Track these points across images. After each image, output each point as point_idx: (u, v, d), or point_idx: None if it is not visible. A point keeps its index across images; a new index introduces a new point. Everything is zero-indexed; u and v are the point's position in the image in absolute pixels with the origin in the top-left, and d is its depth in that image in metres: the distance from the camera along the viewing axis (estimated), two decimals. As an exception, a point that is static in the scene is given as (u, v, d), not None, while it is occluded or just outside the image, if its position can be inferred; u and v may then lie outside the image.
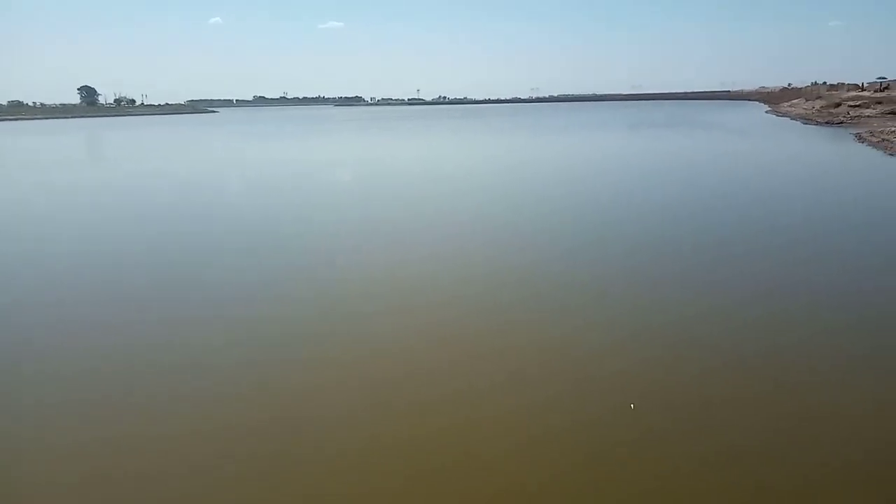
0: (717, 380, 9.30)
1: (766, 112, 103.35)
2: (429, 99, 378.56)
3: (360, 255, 16.99)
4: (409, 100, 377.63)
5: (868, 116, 62.95)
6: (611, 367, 9.79)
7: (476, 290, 13.78)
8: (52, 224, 23.42)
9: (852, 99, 76.41)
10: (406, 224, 21.42)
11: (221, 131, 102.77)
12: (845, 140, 46.89)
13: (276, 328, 11.67)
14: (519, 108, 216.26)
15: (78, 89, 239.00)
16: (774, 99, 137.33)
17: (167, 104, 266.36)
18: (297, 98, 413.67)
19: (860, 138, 45.45)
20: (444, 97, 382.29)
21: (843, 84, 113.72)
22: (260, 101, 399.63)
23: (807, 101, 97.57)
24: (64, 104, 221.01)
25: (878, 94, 77.58)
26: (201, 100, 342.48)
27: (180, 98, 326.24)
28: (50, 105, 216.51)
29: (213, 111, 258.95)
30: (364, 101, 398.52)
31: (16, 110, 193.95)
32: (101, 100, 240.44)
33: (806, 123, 68.96)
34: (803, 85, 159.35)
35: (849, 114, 67.11)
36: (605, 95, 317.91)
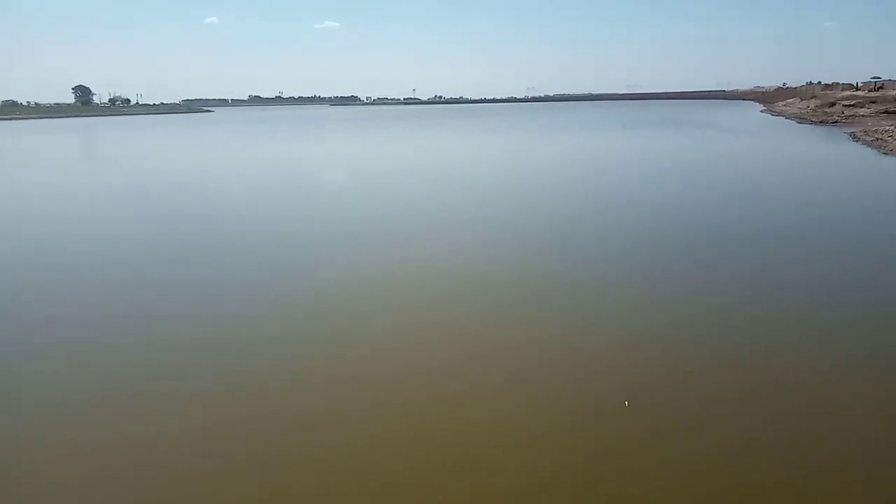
0: (715, 379, 9.35)
1: (762, 111, 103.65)
2: (424, 98, 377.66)
3: (359, 255, 17.00)
4: (404, 99, 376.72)
5: (862, 116, 63.25)
6: (610, 365, 9.85)
7: (474, 289, 13.83)
8: (47, 224, 23.34)
9: (847, 98, 76.71)
10: (405, 223, 21.44)
11: (217, 131, 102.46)
12: (840, 139, 47.10)
13: (277, 328, 11.69)
14: (515, 107, 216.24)
15: (72, 89, 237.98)
16: (769, 98, 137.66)
17: (162, 104, 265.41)
18: (293, 98, 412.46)
19: (854, 137, 45.66)
20: (440, 97, 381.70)
21: (837, 84, 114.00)
22: (255, 100, 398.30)
23: (802, 100, 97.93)
24: (59, 104, 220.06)
25: (873, 94, 77.88)
26: (196, 99, 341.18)
27: (175, 97, 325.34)
28: (44, 105, 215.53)
29: (209, 111, 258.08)
30: (360, 100, 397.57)
31: (10, 110, 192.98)
32: (96, 99, 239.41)
33: (801, 123, 69.23)
34: (798, 84, 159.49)
35: (843, 113, 67.41)
36: (601, 95, 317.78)
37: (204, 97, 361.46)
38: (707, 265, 15.35)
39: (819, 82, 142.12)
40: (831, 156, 39.93)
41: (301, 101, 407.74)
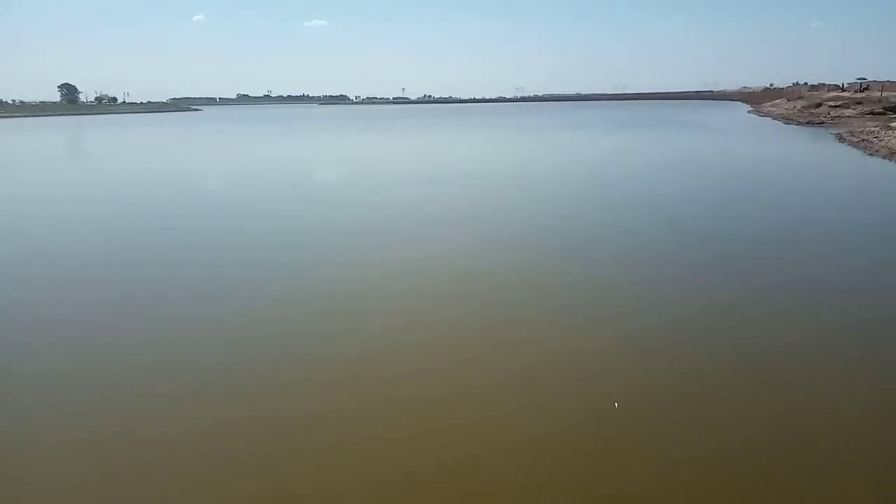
0: (714, 379, 9.46)
1: (749, 112, 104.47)
2: (414, 98, 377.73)
3: (358, 255, 16.99)
4: (394, 98, 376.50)
5: (848, 117, 63.97)
6: (609, 365, 9.94)
7: (473, 289, 13.86)
8: (42, 225, 23.18)
9: (833, 99, 77.56)
10: (403, 222, 21.43)
11: (207, 129, 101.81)
12: (826, 140, 47.61)
13: (277, 327, 11.68)
14: (504, 107, 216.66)
15: (58, 87, 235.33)
16: (756, 99, 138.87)
17: (149, 102, 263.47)
18: (282, 96, 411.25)
19: (840, 138, 46.18)
20: (429, 96, 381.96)
21: (823, 85, 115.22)
22: (243, 99, 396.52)
23: (788, 101, 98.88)
24: (44, 102, 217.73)
25: (858, 95, 78.82)
26: (184, 98, 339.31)
27: (163, 96, 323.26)
28: (30, 103, 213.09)
29: (197, 109, 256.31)
30: (349, 99, 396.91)
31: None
32: (82, 97, 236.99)
33: (787, 123, 69.87)
34: (785, 85, 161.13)
35: (829, 114, 68.15)
36: (590, 95, 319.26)
37: (191, 96, 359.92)
38: (701, 265, 15.47)
39: (805, 83, 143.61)
40: (818, 157, 40.36)
41: (290, 99, 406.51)
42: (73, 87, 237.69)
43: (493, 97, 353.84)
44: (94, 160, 54.64)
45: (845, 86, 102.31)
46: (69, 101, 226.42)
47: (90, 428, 8.38)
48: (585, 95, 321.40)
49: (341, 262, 16.34)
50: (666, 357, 10.16)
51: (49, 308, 13.13)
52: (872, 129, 47.40)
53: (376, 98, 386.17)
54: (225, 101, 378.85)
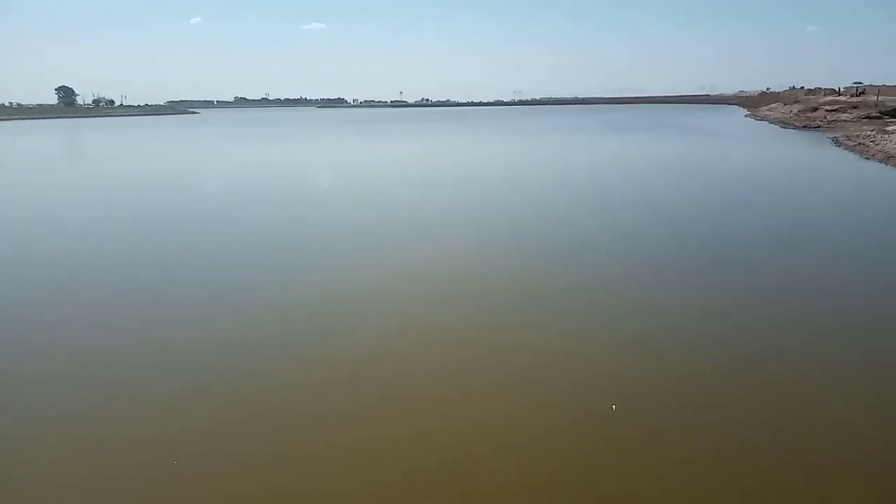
0: (710, 382, 9.53)
1: (745, 116, 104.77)
2: (412, 101, 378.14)
3: (355, 258, 17.03)
4: (391, 102, 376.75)
5: (844, 121, 64.23)
6: (605, 368, 10.00)
7: (471, 292, 13.91)
8: (40, 227, 23.17)
9: (829, 103, 77.84)
10: (401, 226, 21.47)
11: (205, 133, 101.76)
12: (822, 144, 47.79)
13: (276, 328, 11.71)
14: (502, 110, 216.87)
15: (55, 89, 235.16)
16: (753, 103, 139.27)
17: (147, 105, 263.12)
18: (279, 100, 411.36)
19: (837, 142, 46.36)
20: (427, 99, 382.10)
21: (820, 89, 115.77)
22: (241, 102, 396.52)
23: (785, 105, 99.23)
24: (41, 104, 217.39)
25: (855, 99, 79.17)
26: (181, 101, 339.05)
27: (160, 99, 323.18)
28: (27, 105, 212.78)
29: (194, 112, 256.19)
30: (347, 102, 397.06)
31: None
32: (80, 100, 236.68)
33: (784, 127, 70.09)
34: (781, 89, 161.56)
35: (826, 118, 68.41)
36: (587, 99, 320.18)
37: (189, 99, 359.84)
38: (698, 269, 15.54)
39: (802, 87, 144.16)
40: (815, 161, 40.50)
41: (287, 103, 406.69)
42: (71, 89, 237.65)
43: (490, 100, 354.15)
44: (91, 163, 54.60)
45: (842, 90, 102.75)
46: (66, 103, 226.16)
47: (90, 428, 8.40)
48: (583, 99, 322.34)
49: (337, 266, 16.36)
50: (663, 360, 10.21)
51: (46, 308, 13.14)
52: (869, 133, 47.60)
53: (374, 101, 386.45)
54: (222, 104, 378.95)
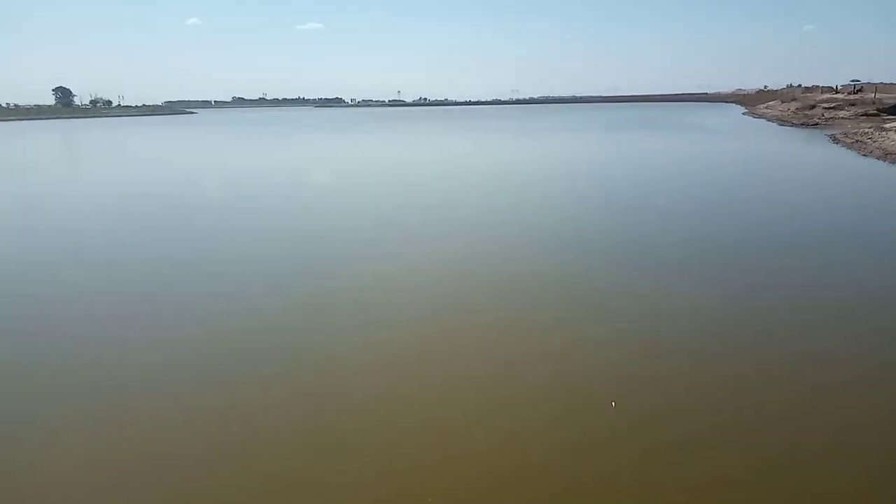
0: (709, 382, 9.59)
1: (743, 114, 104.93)
2: (409, 101, 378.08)
3: (353, 260, 17.11)
4: (389, 101, 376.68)
5: (842, 118, 64.36)
6: (605, 368, 10.06)
7: (469, 292, 14.00)
8: (37, 228, 23.16)
9: (827, 101, 78.00)
10: (400, 230, 21.53)
11: (204, 133, 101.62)
12: (820, 141, 47.86)
13: (276, 329, 11.80)
14: (500, 109, 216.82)
15: (53, 90, 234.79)
16: (751, 101, 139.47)
17: (144, 105, 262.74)
18: (277, 99, 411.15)
19: (834, 139, 46.43)
20: (425, 98, 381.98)
21: (817, 86, 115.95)
22: (239, 102, 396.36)
23: (782, 103, 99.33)
24: (38, 105, 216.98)
25: (852, 97, 79.31)
26: (179, 101, 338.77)
27: (158, 99, 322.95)
28: (24, 106, 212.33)
29: (192, 112, 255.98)
30: (344, 102, 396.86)
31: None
32: (77, 101, 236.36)
33: (782, 125, 70.20)
34: (779, 87, 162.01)
35: (823, 115, 68.54)
36: (585, 97, 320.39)
37: (187, 99, 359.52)
38: (695, 267, 15.60)
39: (799, 85, 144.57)
40: (814, 158, 40.53)
41: (285, 102, 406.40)
42: (68, 90, 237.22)
43: (488, 99, 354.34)
44: (88, 163, 54.52)
45: (839, 88, 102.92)
46: (64, 104, 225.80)
47: (91, 427, 8.47)
48: (581, 98, 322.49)
49: (336, 266, 16.45)
50: (664, 361, 10.27)
51: (45, 309, 13.17)
52: (866, 130, 47.69)
53: (372, 101, 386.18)
54: (220, 104, 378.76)
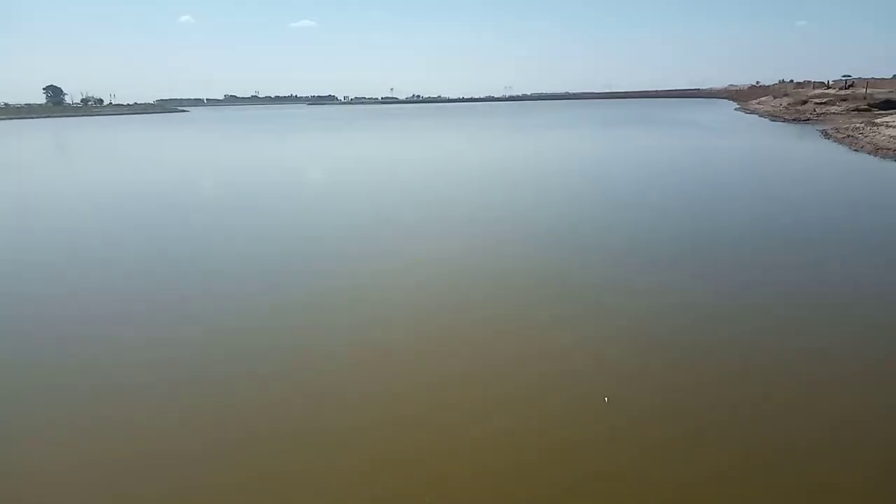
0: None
1: (735, 110, 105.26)
2: (402, 98, 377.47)
3: (351, 260, 17.10)
4: (382, 98, 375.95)
5: (834, 113, 64.62)
6: (602, 364, 10.08)
7: (468, 293, 13.99)
8: (33, 227, 23.04)
9: (818, 96, 78.29)
10: (397, 228, 21.51)
11: (195, 132, 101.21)
12: (812, 137, 48.07)
13: (275, 329, 11.77)
14: (493, 106, 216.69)
15: (44, 89, 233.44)
16: (743, 97, 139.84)
17: (136, 104, 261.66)
18: (269, 97, 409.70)
19: (826, 135, 46.64)
20: (418, 96, 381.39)
21: (809, 82, 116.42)
22: (231, 100, 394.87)
23: (774, 98, 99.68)
24: (29, 104, 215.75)
25: (844, 92, 79.67)
26: (171, 99, 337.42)
27: (149, 97, 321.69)
28: (14, 105, 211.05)
29: (184, 110, 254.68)
30: (337, 100, 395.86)
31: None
32: (68, 99, 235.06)
33: (774, 120, 70.46)
34: (771, 83, 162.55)
35: (815, 111, 68.79)
36: (578, 94, 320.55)
37: (179, 97, 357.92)
38: (698, 264, 15.63)
39: (791, 80, 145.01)
40: (806, 154, 40.69)
41: (278, 100, 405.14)
42: (59, 88, 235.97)
43: (481, 96, 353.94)
44: (80, 162, 54.24)
45: (831, 83, 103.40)
46: (55, 103, 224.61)
47: (90, 427, 8.43)
48: (574, 94, 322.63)
49: (334, 266, 16.44)
50: (658, 354, 10.31)
51: (43, 309, 13.11)
52: (858, 125, 47.90)
53: (365, 98, 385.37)
54: (213, 102, 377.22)
